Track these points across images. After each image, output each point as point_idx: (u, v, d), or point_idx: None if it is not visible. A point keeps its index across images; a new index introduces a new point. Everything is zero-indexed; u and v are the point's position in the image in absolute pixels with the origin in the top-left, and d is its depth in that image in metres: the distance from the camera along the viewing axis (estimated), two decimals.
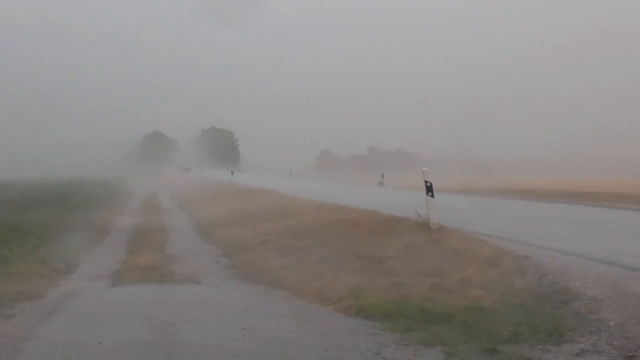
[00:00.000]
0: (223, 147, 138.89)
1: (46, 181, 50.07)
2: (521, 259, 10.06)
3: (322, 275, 11.52)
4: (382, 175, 49.32)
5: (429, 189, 13.44)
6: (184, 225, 26.28)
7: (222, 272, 14.15)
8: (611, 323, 6.88)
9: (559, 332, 6.94)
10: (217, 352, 6.92)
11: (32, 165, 78.05)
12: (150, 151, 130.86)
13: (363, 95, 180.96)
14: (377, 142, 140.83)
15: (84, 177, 62.54)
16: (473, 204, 22.60)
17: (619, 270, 8.93)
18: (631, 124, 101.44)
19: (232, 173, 58.52)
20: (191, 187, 54.44)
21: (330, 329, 8.01)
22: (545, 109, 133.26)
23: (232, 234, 19.89)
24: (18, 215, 23.55)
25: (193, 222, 26.93)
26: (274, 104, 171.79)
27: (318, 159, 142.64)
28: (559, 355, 6.31)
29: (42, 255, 15.65)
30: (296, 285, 11.18)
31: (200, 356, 6.72)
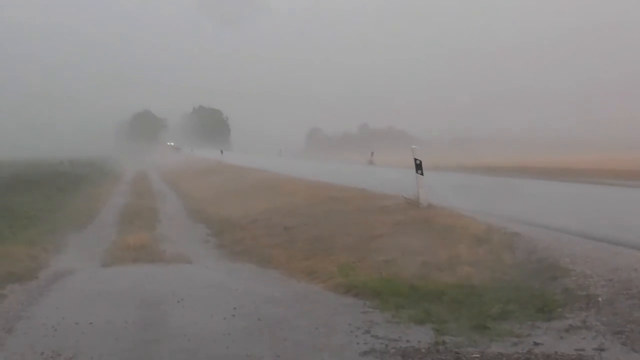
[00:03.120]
0: (213, 126, 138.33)
1: (35, 161, 49.69)
2: (510, 235, 10.09)
3: (312, 254, 11.54)
4: (372, 154, 49.20)
5: (419, 167, 13.42)
6: (174, 204, 26.29)
7: (212, 252, 14.18)
8: (600, 299, 6.92)
9: (548, 308, 6.97)
10: (207, 331, 6.92)
11: (20, 145, 77.51)
12: (139, 130, 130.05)
13: (353, 72, 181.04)
14: (367, 120, 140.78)
15: (73, 156, 62.17)
16: (464, 182, 22.63)
17: (607, 246, 8.99)
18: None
19: (222, 152, 58.31)
20: (181, 166, 54.37)
21: (320, 307, 8.04)
22: (538, 102, 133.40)
23: (222, 213, 19.91)
24: (7, 195, 23.45)
25: (183, 202, 26.94)
26: (264, 82, 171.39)
27: (308, 137, 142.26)
28: (548, 332, 6.34)
29: (32, 235, 15.62)
30: (286, 264, 11.20)
31: (190, 335, 6.72)
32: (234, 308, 7.84)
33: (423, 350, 6.03)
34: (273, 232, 14.71)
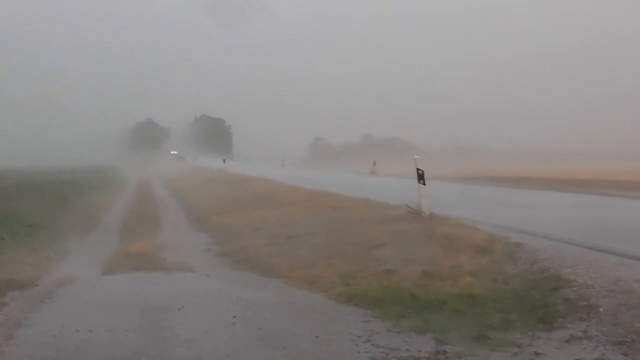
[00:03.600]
0: (215, 134, 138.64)
1: (37, 169, 49.79)
2: (513, 246, 10.07)
3: (314, 263, 11.52)
4: (374, 164, 49.29)
5: (421, 177, 13.43)
6: (176, 213, 26.30)
7: (213, 260, 14.15)
8: (601, 309, 6.90)
9: (549, 318, 6.96)
10: (208, 339, 6.91)
11: (23, 153, 77.70)
12: (142, 139, 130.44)
13: (357, 82, 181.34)
14: (370, 130, 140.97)
15: (76, 165, 62.29)
16: (466, 192, 22.64)
17: (609, 257, 8.97)
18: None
19: (224, 161, 58.41)
20: (184, 175, 54.45)
21: (321, 316, 8.02)
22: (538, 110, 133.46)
23: (224, 222, 19.90)
24: (9, 203, 23.46)
25: (185, 210, 26.94)
26: (267, 91, 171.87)
27: (311, 146, 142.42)
28: (549, 342, 6.33)
29: (34, 243, 15.62)
30: (288, 272, 11.19)
31: (191, 343, 6.72)
32: (235, 316, 7.83)
33: None
34: (275, 241, 14.69)
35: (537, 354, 6.00)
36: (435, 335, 6.73)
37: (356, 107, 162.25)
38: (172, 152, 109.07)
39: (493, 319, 7.10)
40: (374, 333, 6.97)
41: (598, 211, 16.04)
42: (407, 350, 6.31)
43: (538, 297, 7.77)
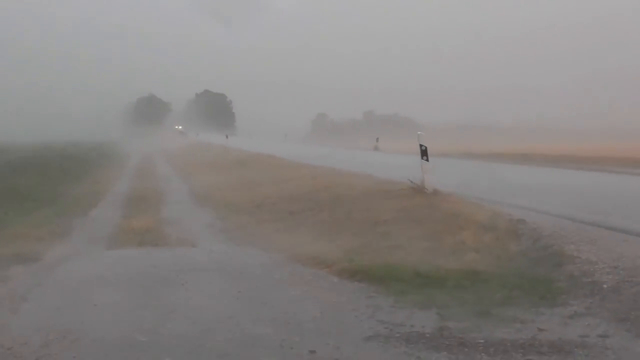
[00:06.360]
0: (218, 110, 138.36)
1: (42, 145, 49.80)
2: (516, 222, 10.08)
3: (318, 239, 11.54)
4: (377, 140, 49.23)
5: (424, 153, 13.39)
6: (179, 189, 26.28)
7: (217, 236, 14.16)
8: (604, 286, 6.91)
9: (552, 295, 6.97)
10: (211, 314, 6.93)
11: (27, 130, 77.64)
12: (145, 115, 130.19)
13: (360, 60, 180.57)
14: (373, 106, 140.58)
15: (79, 140, 62.29)
16: (469, 169, 22.60)
17: (613, 234, 8.98)
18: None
19: (227, 137, 58.40)
20: (187, 150, 54.40)
21: (325, 292, 8.03)
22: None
23: (227, 198, 19.90)
24: (14, 178, 23.47)
25: (188, 186, 26.92)
26: (271, 69, 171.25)
27: (314, 122, 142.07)
28: (552, 318, 6.33)
29: (38, 218, 15.66)
30: (291, 248, 11.18)
31: (194, 318, 6.74)
32: (239, 292, 7.85)
33: (427, 335, 6.03)
34: (278, 217, 14.71)
35: (540, 329, 6.01)
36: (438, 311, 6.73)
37: (359, 83, 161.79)
38: (177, 127, 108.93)
39: (496, 295, 7.11)
40: (378, 309, 6.98)
41: (600, 188, 16.01)
42: (411, 325, 6.32)
43: (541, 273, 7.78)
